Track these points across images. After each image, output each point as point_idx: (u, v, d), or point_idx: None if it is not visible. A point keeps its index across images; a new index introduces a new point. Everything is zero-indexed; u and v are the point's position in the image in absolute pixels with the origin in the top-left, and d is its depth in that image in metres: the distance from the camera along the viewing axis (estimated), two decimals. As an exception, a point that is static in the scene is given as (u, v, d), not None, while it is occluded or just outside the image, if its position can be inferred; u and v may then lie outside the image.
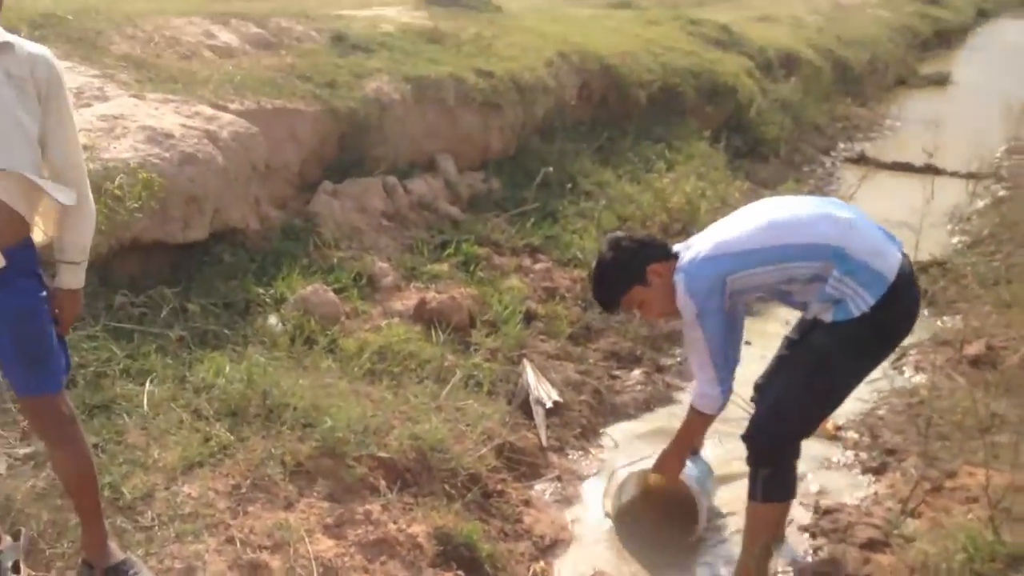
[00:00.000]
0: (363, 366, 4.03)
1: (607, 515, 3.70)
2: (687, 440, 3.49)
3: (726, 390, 3.24)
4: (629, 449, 4.20)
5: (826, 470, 4.14)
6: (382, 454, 3.43)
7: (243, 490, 3.07)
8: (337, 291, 4.55)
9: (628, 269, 3.27)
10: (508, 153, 6.91)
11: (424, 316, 4.60)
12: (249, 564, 2.77)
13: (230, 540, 2.84)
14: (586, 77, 8.18)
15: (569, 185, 6.53)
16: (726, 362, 3.21)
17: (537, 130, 7.30)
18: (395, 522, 3.16)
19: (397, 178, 5.78)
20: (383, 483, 3.35)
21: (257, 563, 2.77)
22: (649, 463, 3.61)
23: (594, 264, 3.40)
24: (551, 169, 6.39)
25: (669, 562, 3.53)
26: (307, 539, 2.92)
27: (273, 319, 4.21)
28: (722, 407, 3.30)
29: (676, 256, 3.26)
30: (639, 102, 8.43)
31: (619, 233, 3.47)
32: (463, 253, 5.33)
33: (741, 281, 3.10)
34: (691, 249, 3.22)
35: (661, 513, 3.73)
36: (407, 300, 4.74)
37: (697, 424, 3.41)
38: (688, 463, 3.57)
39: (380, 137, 5.88)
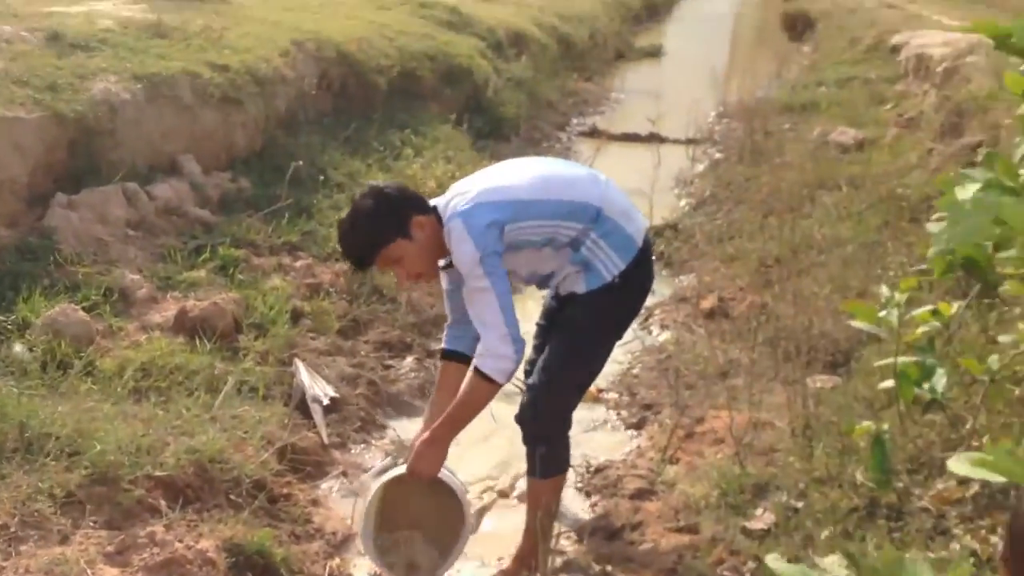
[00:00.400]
0: (127, 385, 3.87)
1: (365, 548, 3.23)
2: (462, 421, 3.08)
3: (520, 348, 2.92)
4: (412, 435, 4.30)
5: (592, 431, 4.44)
6: (159, 473, 3.33)
7: (12, 529, 2.90)
8: (87, 309, 4.32)
9: (390, 219, 2.97)
10: (254, 149, 6.77)
11: (186, 326, 4.47)
12: (31, 606, 2.64)
13: (6, 585, 2.69)
14: (324, 66, 8.12)
15: (321, 178, 6.51)
16: (516, 322, 2.93)
17: (281, 124, 7.18)
18: (181, 540, 3.09)
19: (138, 184, 5.52)
20: (163, 503, 3.26)
21: (39, 604, 2.65)
22: (396, 470, 3.16)
23: (347, 214, 3.09)
24: (301, 163, 6.33)
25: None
26: (89, 571, 2.81)
27: (18, 347, 3.95)
28: (513, 371, 2.98)
29: (435, 210, 3.07)
30: (379, 88, 8.48)
31: (378, 182, 3.23)
32: (220, 257, 5.20)
33: (516, 233, 3.00)
34: (460, 197, 3.02)
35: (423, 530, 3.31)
36: (166, 311, 4.58)
37: (480, 396, 3.01)
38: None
39: (114, 141, 5.58)
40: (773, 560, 2.12)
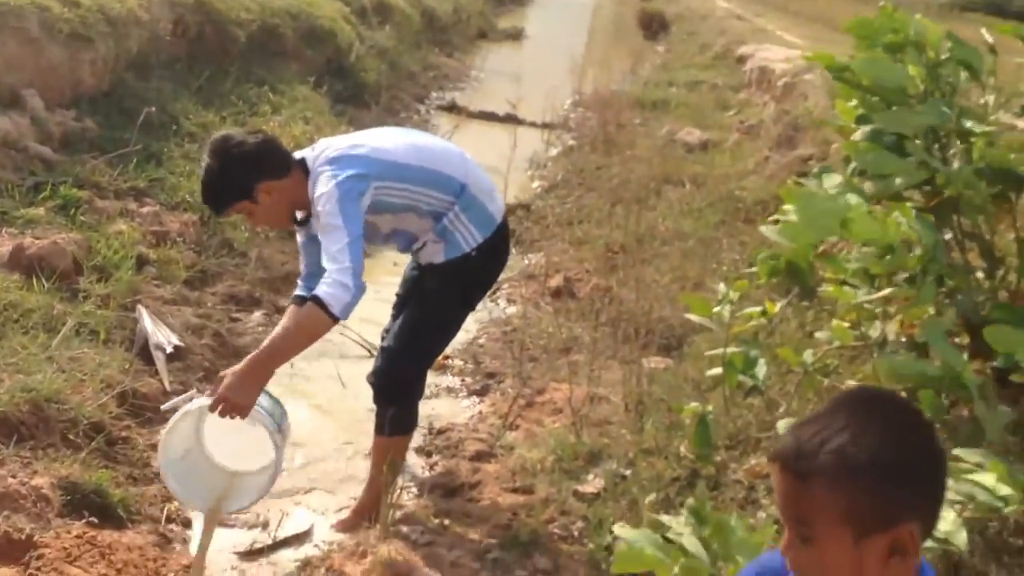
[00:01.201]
0: (-43, 319, 3.71)
1: (162, 476, 3.05)
2: (285, 352, 2.91)
3: (360, 287, 2.84)
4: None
5: (436, 396, 4.55)
6: (-9, 409, 3.23)
7: None
8: (-85, 238, 4.10)
9: (234, 185, 2.99)
10: (102, 89, 6.49)
11: (23, 263, 4.29)
12: None
13: None
14: (180, 11, 7.86)
15: (173, 127, 6.32)
16: (360, 256, 2.87)
17: (132, 66, 6.91)
18: (14, 476, 3.02)
19: (-25, 113, 5.23)
20: (-4, 439, 3.17)
21: None
22: (202, 400, 2.87)
23: (203, 165, 3.08)
24: (152, 109, 6.13)
25: (299, 488, 3.73)
26: (-85, 503, 2.72)
27: None
28: (350, 306, 2.85)
29: (297, 166, 3.07)
30: (238, 40, 8.27)
31: (230, 134, 3.11)
32: (61, 196, 4.99)
33: (380, 193, 3.04)
34: (331, 149, 3.06)
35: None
36: (0, 247, 4.38)
37: (313, 324, 2.84)
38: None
39: (-50, 66, 5.27)
40: (620, 528, 2.31)
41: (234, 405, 2.79)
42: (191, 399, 2.92)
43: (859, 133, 2.90)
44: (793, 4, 18.03)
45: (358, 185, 2.93)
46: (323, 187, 2.92)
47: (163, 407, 3.14)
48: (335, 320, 2.84)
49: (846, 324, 3.22)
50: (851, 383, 3.40)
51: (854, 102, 3.04)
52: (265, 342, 2.91)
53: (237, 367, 2.85)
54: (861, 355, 3.60)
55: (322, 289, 2.81)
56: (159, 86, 6.88)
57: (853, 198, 2.45)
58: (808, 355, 3.30)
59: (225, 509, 3.06)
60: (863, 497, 1.16)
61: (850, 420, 1.20)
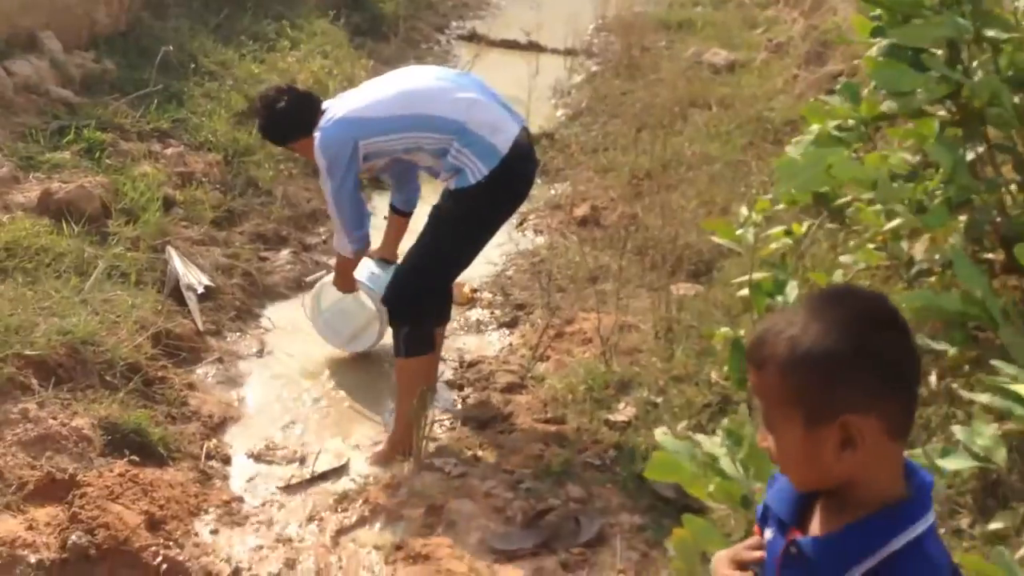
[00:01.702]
0: (-10, 264, 3.75)
1: (311, 323, 4.22)
2: (343, 274, 3.90)
3: (356, 240, 3.64)
4: (287, 325, 4.37)
5: (466, 330, 4.57)
6: (29, 352, 3.29)
7: None
8: (-57, 186, 4.12)
9: (300, 123, 3.58)
10: (118, 29, 6.44)
11: (51, 207, 4.32)
12: (-100, 478, 2.60)
13: None
14: (196, -53, 7.75)
15: (192, 65, 6.26)
16: (357, 217, 3.59)
17: (147, 5, 6.85)
18: (55, 418, 3.09)
19: (-5, 58, 5.22)
20: (35, 381, 3.23)
21: (-91, 476, 2.61)
22: (328, 277, 4.08)
23: (264, 101, 3.73)
24: (170, 48, 6.08)
25: (335, 423, 3.78)
26: (-40, 445, 2.79)
27: None
28: (357, 253, 3.74)
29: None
30: (254, -25, 8.16)
31: (288, 86, 3.81)
32: (85, 139, 4.99)
33: (374, 146, 3.43)
34: (331, 109, 3.54)
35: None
36: (28, 192, 4.40)
37: (344, 263, 3.82)
38: (379, 271, 3.96)
39: (-34, 12, 5.25)
40: (660, 434, 2.31)
41: (339, 287, 4.00)
42: (319, 278, 4.34)
43: (875, 48, 2.82)
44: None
45: (342, 152, 3.42)
46: (316, 157, 3.49)
47: (307, 279, 4.63)
48: (353, 256, 3.77)
49: (872, 246, 3.18)
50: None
51: (876, 14, 2.96)
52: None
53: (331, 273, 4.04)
54: (894, 276, 3.56)
55: (334, 244, 3.87)
56: (176, 25, 6.81)
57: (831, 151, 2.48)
58: (837, 276, 3.26)
59: (354, 347, 4.25)
60: (808, 384, 1.20)
61: (807, 313, 1.23)
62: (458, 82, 3.52)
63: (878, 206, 2.99)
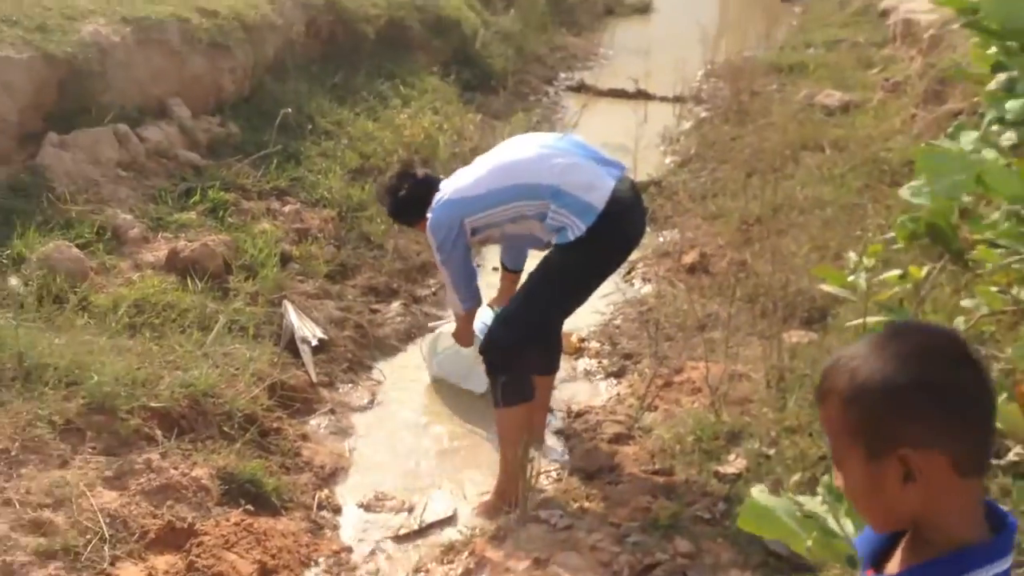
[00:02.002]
0: (121, 320, 3.96)
1: (430, 375, 4.47)
2: (462, 329, 4.07)
3: (467, 299, 3.84)
4: (398, 377, 4.45)
5: (574, 379, 4.57)
6: (154, 404, 3.45)
7: (12, 453, 3.01)
8: (80, 247, 4.39)
9: (420, 208, 3.78)
10: (242, 95, 6.78)
11: (178, 265, 4.54)
12: (32, 523, 2.75)
13: (7, 503, 2.80)
14: (312, 13, 8.10)
15: (308, 126, 6.53)
16: (467, 282, 3.79)
17: (269, 70, 7.19)
18: (176, 468, 3.21)
19: (128, 126, 5.55)
20: (159, 432, 3.38)
21: (40, 521, 2.76)
22: (452, 326, 4.20)
23: (387, 190, 4.02)
24: (289, 110, 6.36)
25: (444, 474, 3.82)
26: (88, 493, 2.93)
27: (14, 280, 4.02)
28: (470, 311, 3.93)
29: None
30: (368, 37, 8.47)
31: (411, 164, 4.13)
32: (210, 200, 5.26)
33: (480, 220, 3.61)
34: (443, 189, 3.73)
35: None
36: (157, 251, 4.65)
37: (462, 320, 4.01)
38: (493, 314, 4.05)
39: (104, 83, 5.60)
40: (758, 492, 2.25)
41: (459, 342, 4.18)
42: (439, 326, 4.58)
43: (995, 82, 2.71)
44: (939, -50, 17.00)
45: (450, 230, 3.62)
46: (428, 236, 3.73)
47: (430, 324, 4.85)
48: (466, 313, 3.94)
49: (994, 288, 3.04)
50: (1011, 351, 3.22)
51: (993, 48, 2.85)
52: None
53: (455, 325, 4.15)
54: (1021, 321, 3.41)
55: (449, 306, 4.23)
56: (295, 87, 7.12)
57: (989, 153, 2.28)
58: (959, 323, 3.13)
59: (469, 386, 4.41)
60: (867, 416, 1.20)
61: (869, 347, 1.22)
62: (558, 147, 3.61)
63: (1002, 244, 2.86)
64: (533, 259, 3.81)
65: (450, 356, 4.43)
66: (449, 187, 3.71)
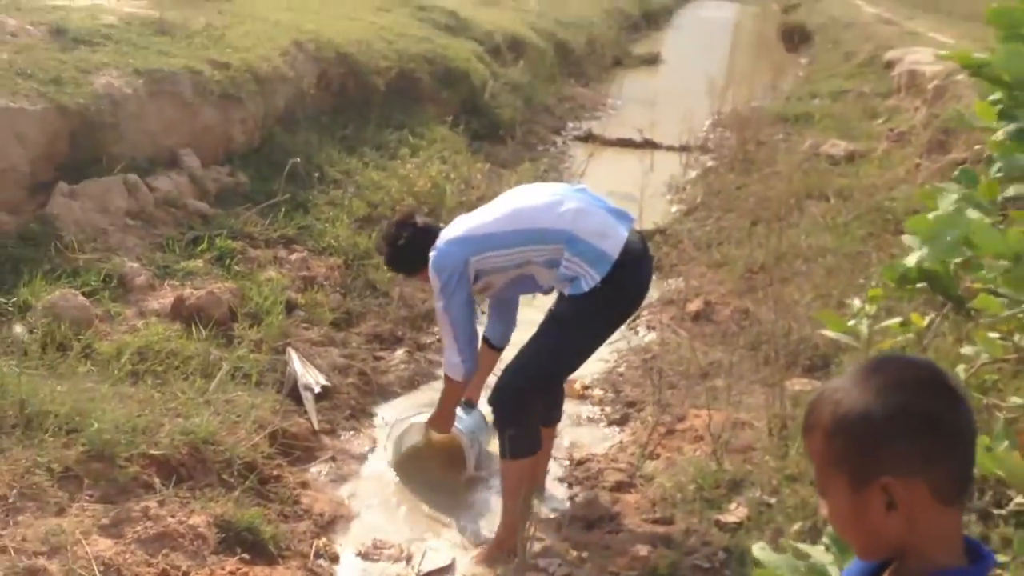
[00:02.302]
0: (124, 368, 3.98)
1: (389, 464, 4.13)
2: (448, 403, 3.82)
3: (467, 359, 3.60)
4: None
5: (577, 426, 4.56)
6: (153, 452, 3.45)
7: (10, 500, 3.01)
8: (87, 295, 4.42)
9: (421, 256, 3.63)
10: (252, 145, 6.87)
11: (183, 313, 4.57)
12: (26, 570, 2.74)
13: (3, 550, 2.79)
14: (323, 66, 8.23)
15: (317, 175, 6.61)
16: (468, 336, 3.58)
17: (279, 121, 7.29)
18: (173, 516, 3.21)
19: (139, 176, 5.63)
20: (157, 480, 3.38)
21: (35, 568, 2.75)
22: (425, 416, 3.98)
23: (386, 240, 3.86)
24: (298, 160, 6.44)
25: (442, 522, 3.80)
26: (84, 541, 2.92)
27: (19, 328, 4.05)
28: (467, 374, 3.66)
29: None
30: (378, 89, 8.59)
31: (411, 215, 3.90)
32: (217, 248, 5.31)
33: (485, 262, 3.49)
34: (447, 231, 3.62)
35: (438, 461, 4.15)
36: (163, 299, 4.68)
37: (450, 388, 3.74)
38: (463, 415, 3.96)
39: (115, 134, 5.69)
40: (759, 549, 2.24)
41: (435, 428, 3.98)
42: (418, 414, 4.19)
43: (1001, 132, 2.73)
44: (946, 3, 17.22)
45: (454, 271, 3.48)
46: (431, 276, 3.56)
47: (390, 424, 4.37)
48: (462, 381, 3.69)
49: (996, 336, 3.03)
50: (1016, 400, 3.20)
51: (998, 97, 2.88)
52: (439, 398, 3.90)
53: (434, 411, 3.92)
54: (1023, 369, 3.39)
55: (444, 367, 3.73)
56: (305, 138, 7.22)
57: (973, 213, 2.31)
58: (960, 371, 3.12)
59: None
60: (849, 446, 1.23)
61: (852, 380, 1.26)
62: (566, 195, 3.57)
63: (1003, 293, 2.86)
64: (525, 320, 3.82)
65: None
66: (452, 229, 3.62)
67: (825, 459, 1.26)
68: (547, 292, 3.71)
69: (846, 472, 1.24)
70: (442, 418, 3.88)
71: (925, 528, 1.22)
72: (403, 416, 4.27)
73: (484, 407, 4.04)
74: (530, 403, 3.54)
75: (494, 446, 4.01)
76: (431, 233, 3.70)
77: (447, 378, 3.72)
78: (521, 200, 3.61)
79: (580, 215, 3.45)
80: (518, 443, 3.48)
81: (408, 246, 3.75)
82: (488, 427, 4.09)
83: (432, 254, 3.54)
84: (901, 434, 1.20)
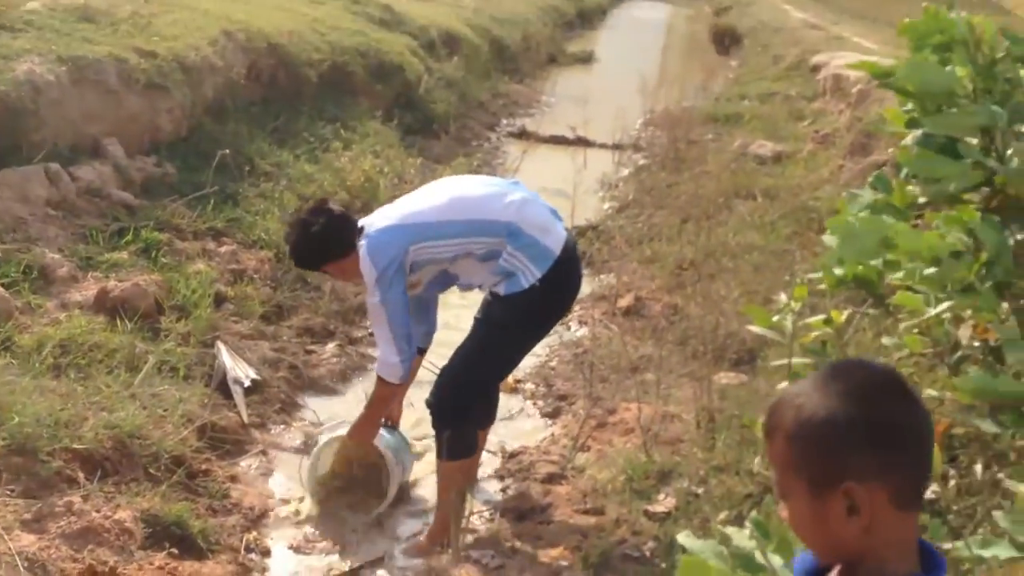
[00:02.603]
0: (45, 361, 3.88)
1: (303, 486, 3.76)
2: (377, 408, 3.59)
3: (406, 359, 3.40)
4: (332, 417, 4.40)
5: (509, 419, 4.57)
6: (77, 446, 3.37)
7: (-74, 496, 2.92)
8: (5, 286, 4.30)
9: (337, 243, 3.39)
10: (180, 135, 6.74)
11: (107, 305, 4.47)
12: (-55, 569, 2.67)
13: (-80, 549, 2.71)
14: (254, 56, 8.10)
15: (247, 167, 6.52)
16: (406, 332, 3.37)
17: (208, 112, 7.16)
18: (98, 510, 3.14)
19: (61, 165, 5.48)
20: (81, 474, 3.31)
21: (-45, 567, 2.68)
22: (345, 429, 3.71)
23: (297, 224, 3.49)
24: (228, 152, 6.34)
25: (376, 515, 3.79)
26: (6, 536, 2.85)
27: (-65, 320, 3.93)
28: (404, 376, 3.47)
29: (362, 230, 3.42)
30: (310, 81, 8.50)
31: (325, 201, 3.62)
32: (143, 240, 5.19)
33: (422, 252, 3.33)
34: (372, 223, 3.42)
35: (358, 483, 3.83)
36: (86, 291, 4.57)
37: (383, 392, 3.52)
38: (385, 433, 3.71)
39: (36, 121, 5.53)
40: (684, 537, 2.28)
41: (357, 439, 3.68)
42: (332, 428, 3.90)
43: (909, 138, 2.83)
44: (872, 10, 17.67)
45: (391, 260, 3.29)
46: (362, 266, 3.33)
47: (316, 431, 4.15)
48: (398, 384, 3.52)
49: (915, 331, 3.13)
50: (931, 392, 3.30)
51: (909, 106, 2.99)
52: (366, 405, 3.67)
53: (358, 416, 3.66)
54: (939, 364, 3.50)
55: (378, 368, 3.51)
56: (235, 129, 7.10)
57: (888, 219, 2.42)
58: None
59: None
60: (810, 451, 1.23)
61: (813, 384, 1.27)
62: (506, 187, 3.51)
63: (921, 290, 2.96)
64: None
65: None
66: (384, 217, 3.40)
67: (786, 463, 1.26)
68: (465, 289, 3.63)
69: (807, 477, 1.24)
70: (367, 426, 3.60)
71: (883, 533, 1.22)
72: (323, 428, 4.01)
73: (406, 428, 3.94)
74: (468, 405, 3.51)
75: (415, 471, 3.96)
76: (349, 221, 3.45)
77: (380, 380, 3.49)
78: (459, 189, 3.49)
79: (525, 206, 3.37)
80: (456, 445, 3.46)
81: (323, 234, 3.38)
82: (412, 450, 3.94)
83: (363, 243, 3.32)
84: (863, 440, 1.21)
